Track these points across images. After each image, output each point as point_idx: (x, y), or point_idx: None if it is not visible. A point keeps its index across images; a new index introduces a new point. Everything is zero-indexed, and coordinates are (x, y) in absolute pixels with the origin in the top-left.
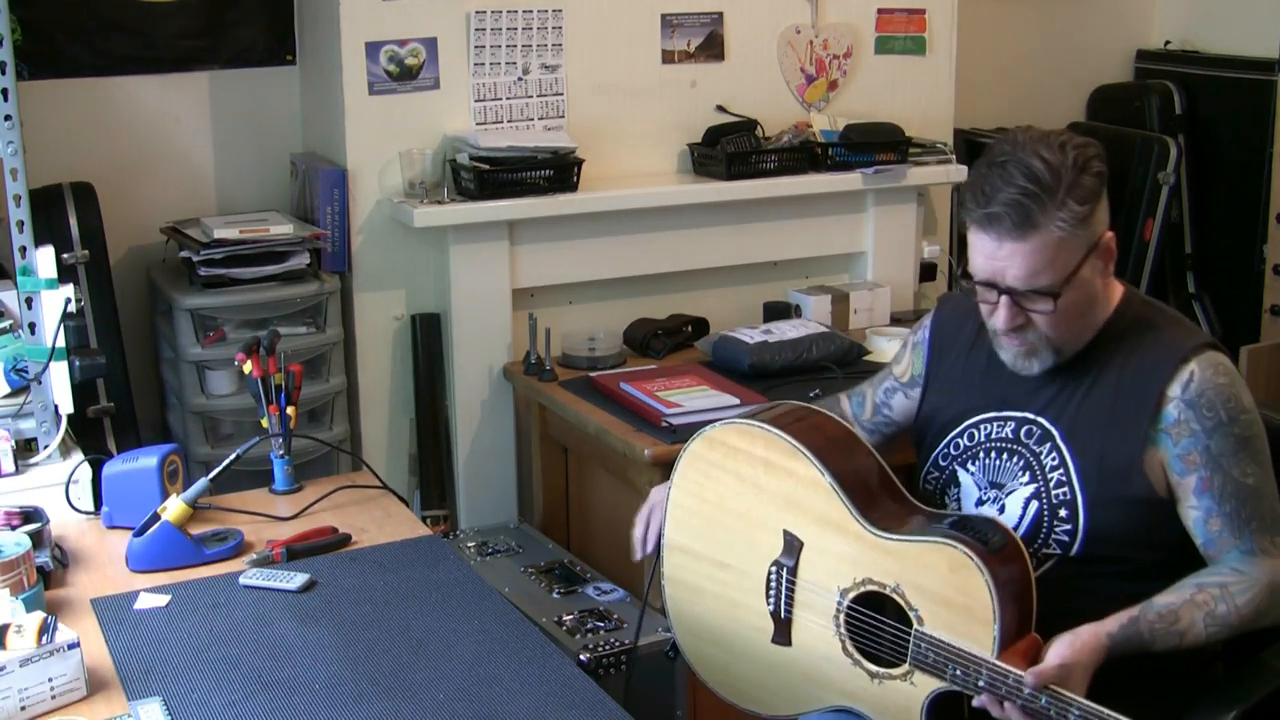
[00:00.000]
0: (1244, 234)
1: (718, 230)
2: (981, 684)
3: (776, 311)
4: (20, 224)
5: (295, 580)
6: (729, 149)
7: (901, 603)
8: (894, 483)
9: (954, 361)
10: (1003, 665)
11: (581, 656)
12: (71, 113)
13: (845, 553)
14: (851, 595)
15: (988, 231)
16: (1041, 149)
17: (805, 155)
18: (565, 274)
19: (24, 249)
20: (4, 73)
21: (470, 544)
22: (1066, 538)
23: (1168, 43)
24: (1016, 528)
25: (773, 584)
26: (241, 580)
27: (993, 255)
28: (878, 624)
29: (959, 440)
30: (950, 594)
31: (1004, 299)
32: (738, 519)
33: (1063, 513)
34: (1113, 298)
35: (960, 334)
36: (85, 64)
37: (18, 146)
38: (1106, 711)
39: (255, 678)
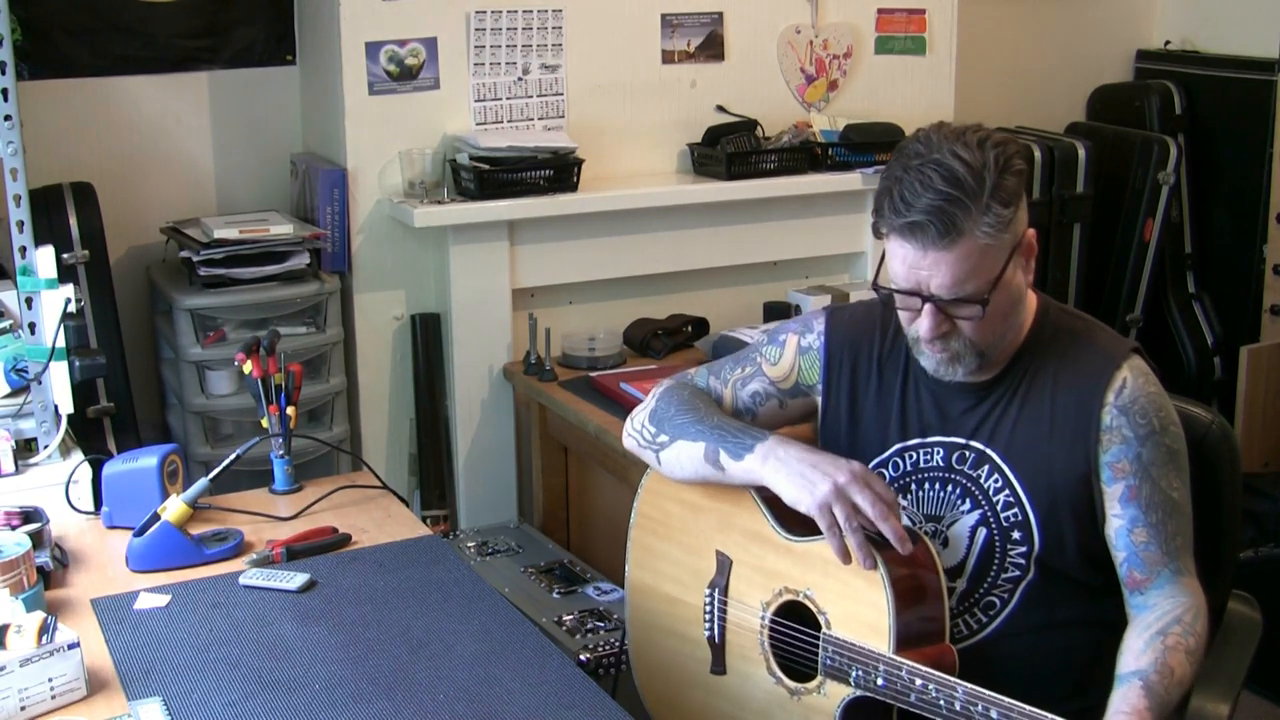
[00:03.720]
0: (1244, 234)
1: (718, 230)
2: (880, 682)
3: (776, 311)
4: (20, 224)
5: (295, 580)
6: (729, 149)
7: (813, 608)
8: None
9: (863, 385)
10: (897, 659)
11: (581, 656)
12: (71, 113)
13: (766, 565)
14: (773, 609)
15: (910, 241)
16: (959, 148)
17: (805, 155)
18: (565, 274)
19: (24, 249)
20: (4, 73)
21: (470, 544)
22: (1023, 560)
23: (1168, 43)
24: (966, 556)
25: (708, 609)
26: (241, 580)
27: (916, 264)
28: (793, 635)
29: (882, 471)
30: (852, 591)
31: (928, 307)
32: (682, 548)
33: (1015, 535)
34: (1031, 304)
35: (865, 355)
36: (85, 64)
37: (18, 146)
38: (1027, 708)
39: (255, 678)
